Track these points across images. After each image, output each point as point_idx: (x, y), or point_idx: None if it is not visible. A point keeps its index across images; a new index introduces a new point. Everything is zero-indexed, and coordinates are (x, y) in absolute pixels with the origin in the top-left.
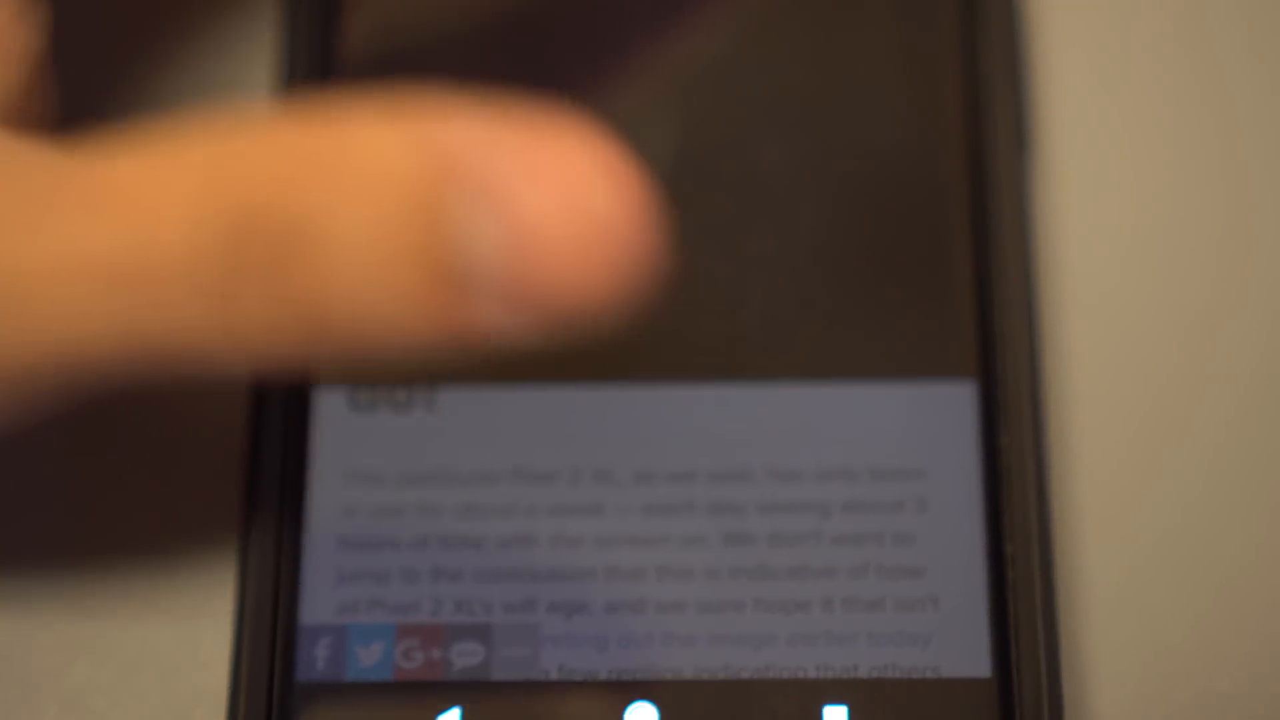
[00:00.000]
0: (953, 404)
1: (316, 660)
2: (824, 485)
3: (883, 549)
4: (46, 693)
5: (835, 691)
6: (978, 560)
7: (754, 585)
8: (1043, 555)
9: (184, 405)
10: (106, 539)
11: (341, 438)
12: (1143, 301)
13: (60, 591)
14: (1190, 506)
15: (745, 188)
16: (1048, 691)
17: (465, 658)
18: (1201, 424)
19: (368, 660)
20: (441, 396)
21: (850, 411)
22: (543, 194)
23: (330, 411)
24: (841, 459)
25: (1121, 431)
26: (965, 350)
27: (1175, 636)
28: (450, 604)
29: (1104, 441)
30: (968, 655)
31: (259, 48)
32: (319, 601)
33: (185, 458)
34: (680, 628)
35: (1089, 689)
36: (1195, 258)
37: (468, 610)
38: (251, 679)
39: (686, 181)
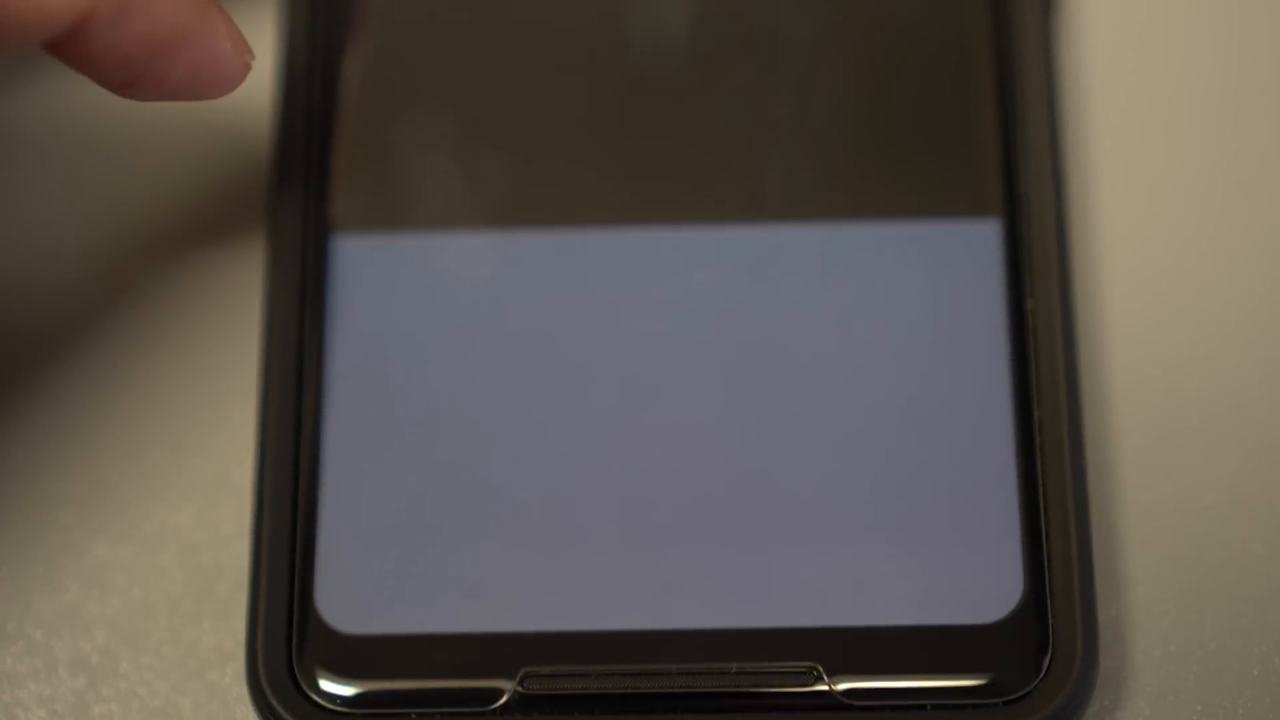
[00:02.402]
0: (978, 241)
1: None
2: (850, 324)
3: (905, 398)
4: (68, 570)
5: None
6: (1004, 413)
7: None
8: (1071, 409)
9: (197, 269)
10: (125, 418)
11: (360, 292)
12: (1168, 143)
13: (80, 470)
14: (1223, 358)
15: (771, 32)
16: (1078, 561)
17: None
18: (1231, 266)
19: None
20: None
21: (876, 250)
22: None
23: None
24: (868, 298)
25: (1149, 272)
26: (990, 188)
27: (1208, 499)
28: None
29: (1131, 283)
30: (995, 523)
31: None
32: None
33: (201, 334)
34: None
35: (1121, 553)
36: (1222, 95)
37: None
38: (273, 556)
39: (712, 25)
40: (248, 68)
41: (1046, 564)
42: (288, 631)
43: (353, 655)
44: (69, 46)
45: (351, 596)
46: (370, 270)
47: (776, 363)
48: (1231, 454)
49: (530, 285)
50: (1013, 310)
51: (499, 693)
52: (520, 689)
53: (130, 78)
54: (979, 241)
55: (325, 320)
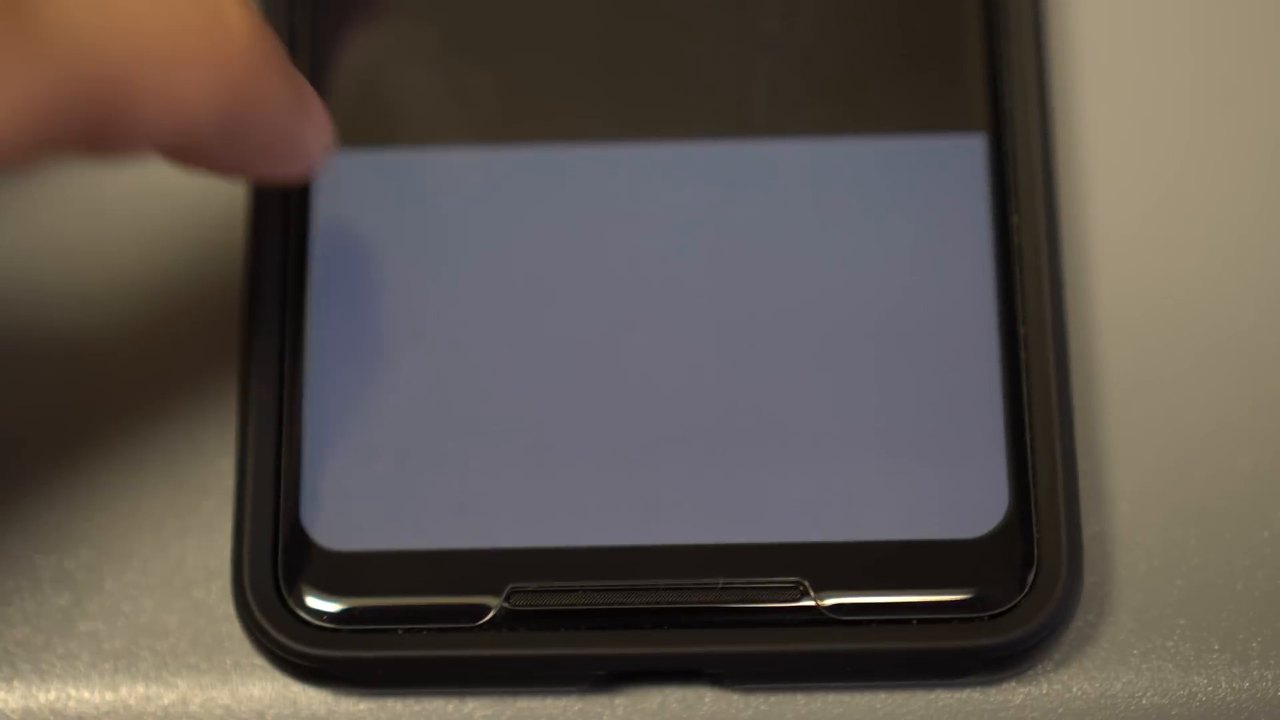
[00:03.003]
0: (963, 156)
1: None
2: (835, 240)
3: (890, 314)
4: (53, 487)
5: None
6: (989, 329)
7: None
8: (1056, 325)
9: (179, 187)
10: (108, 336)
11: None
12: (1154, 58)
13: (64, 389)
14: (1209, 274)
15: None
16: (1063, 477)
17: None
18: (1217, 182)
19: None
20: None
21: (861, 166)
22: None
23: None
24: (853, 213)
25: (1135, 188)
26: (975, 103)
27: (1193, 415)
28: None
29: (1116, 199)
30: (980, 438)
31: None
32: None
33: (183, 253)
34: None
35: (1105, 470)
36: (1210, 8)
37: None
38: (258, 473)
39: None
40: (329, 154)
41: (1031, 480)
42: (273, 548)
43: (339, 572)
44: (178, 154)
45: (337, 513)
46: (354, 187)
47: (761, 279)
48: (1216, 370)
49: (515, 201)
50: (998, 226)
51: (485, 609)
52: (507, 605)
53: (222, 174)
54: (964, 157)
55: (309, 237)
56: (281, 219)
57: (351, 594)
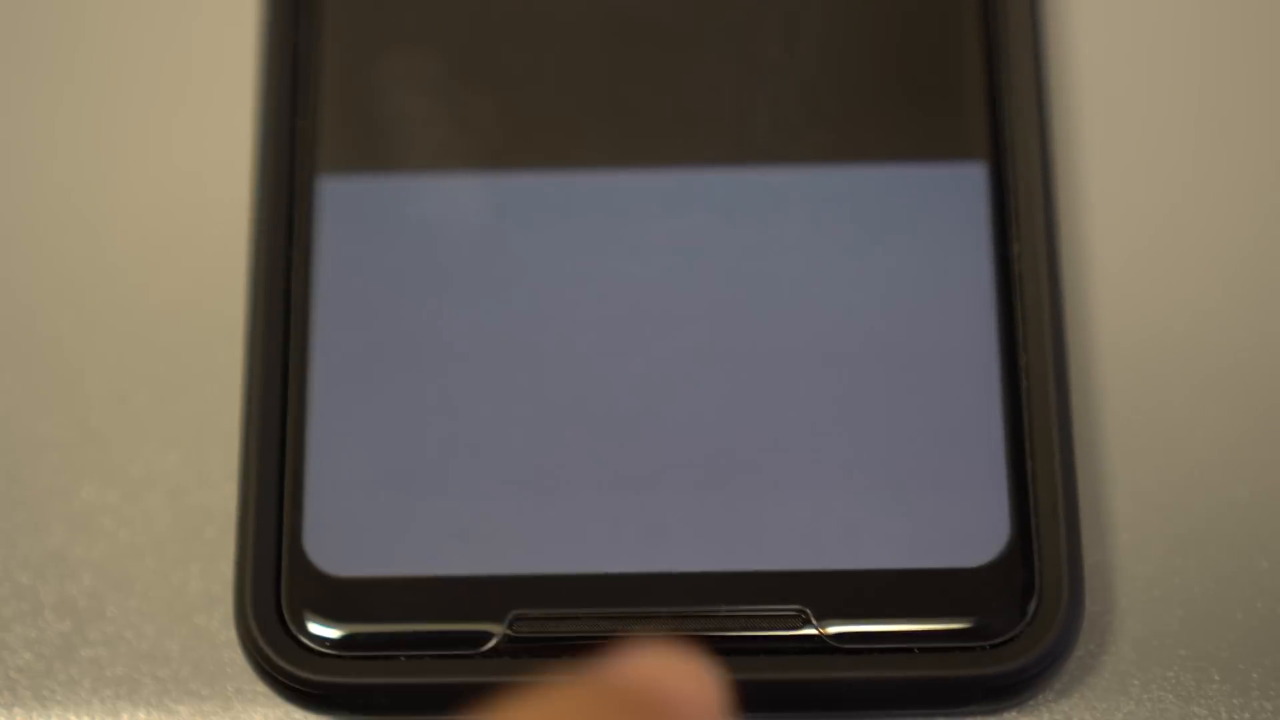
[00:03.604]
0: (963, 185)
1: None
2: (835, 268)
3: (891, 342)
4: (54, 513)
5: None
6: (990, 357)
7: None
8: (1056, 353)
9: (183, 211)
10: (111, 361)
11: (348, 234)
12: (1154, 87)
13: (66, 413)
14: (1210, 303)
15: None
16: (1064, 506)
17: None
18: (1218, 211)
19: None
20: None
21: (861, 194)
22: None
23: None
24: (853, 241)
25: (1135, 217)
26: (976, 132)
27: (1194, 444)
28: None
29: (1117, 228)
30: (981, 467)
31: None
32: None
33: (187, 276)
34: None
35: (1106, 499)
36: (1209, 38)
37: None
38: (261, 499)
39: None
40: None
41: (1033, 508)
42: (276, 574)
43: (341, 598)
44: None
45: (340, 539)
46: (357, 212)
47: (762, 307)
48: (1217, 399)
49: (518, 227)
50: (998, 255)
51: (488, 635)
52: (509, 632)
53: None
54: (964, 186)
55: (312, 262)
56: (285, 244)
57: (354, 620)
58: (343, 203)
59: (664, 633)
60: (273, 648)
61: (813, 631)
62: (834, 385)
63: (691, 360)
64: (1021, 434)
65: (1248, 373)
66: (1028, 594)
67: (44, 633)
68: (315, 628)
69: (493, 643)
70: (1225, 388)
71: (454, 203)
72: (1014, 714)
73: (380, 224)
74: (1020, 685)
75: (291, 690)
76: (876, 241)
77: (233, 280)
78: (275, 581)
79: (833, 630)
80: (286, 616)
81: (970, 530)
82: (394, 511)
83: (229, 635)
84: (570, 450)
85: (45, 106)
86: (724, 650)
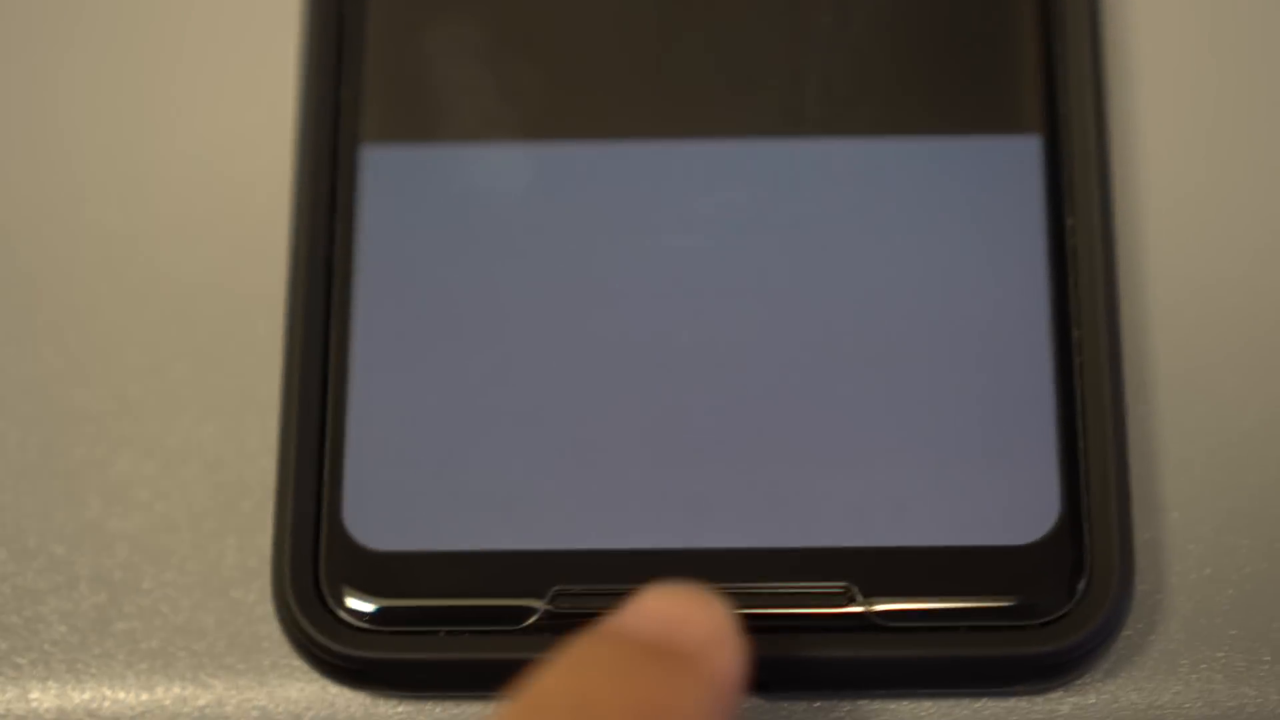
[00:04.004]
0: (1018, 158)
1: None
2: (888, 241)
3: (943, 316)
4: (90, 485)
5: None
6: (1043, 332)
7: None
8: (1110, 329)
9: (226, 180)
10: (149, 331)
11: (389, 204)
12: (1211, 59)
13: (102, 384)
14: (1263, 278)
15: None
16: (1115, 484)
17: None
18: (1274, 185)
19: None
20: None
21: (916, 167)
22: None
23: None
24: (907, 214)
25: (1190, 190)
26: (1031, 105)
27: (1247, 422)
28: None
29: (1171, 202)
30: (1032, 443)
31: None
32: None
33: (227, 245)
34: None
35: (1157, 476)
36: (1268, 8)
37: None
38: (300, 471)
39: None
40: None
41: (1083, 486)
42: (314, 548)
43: (380, 572)
44: None
45: (379, 512)
46: (399, 182)
47: (813, 280)
48: (1270, 377)
49: (561, 198)
50: (1053, 228)
51: (530, 611)
52: (551, 607)
53: None
54: (1019, 158)
55: (354, 233)
56: (327, 215)
57: (393, 595)
58: (385, 173)
59: None
60: (310, 622)
61: (859, 609)
62: (883, 360)
63: (738, 334)
64: (1073, 410)
65: None
66: (1077, 572)
67: (79, 605)
68: (353, 602)
69: (534, 618)
70: (1278, 363)
71: (497, 173)
72: (1060, 693)
73: (423, 194)
74: (1068, 665)
75: (329, 665)
76: (930, 215)
77: (274, 251)
78: (314, 555)
79: (879, 608)
80: (325, 590)
81: (1019, 507)
82: (434, 485)
83: (265, 609)
84: (613, 424)
85: (86, 76)
86: (768, 628)
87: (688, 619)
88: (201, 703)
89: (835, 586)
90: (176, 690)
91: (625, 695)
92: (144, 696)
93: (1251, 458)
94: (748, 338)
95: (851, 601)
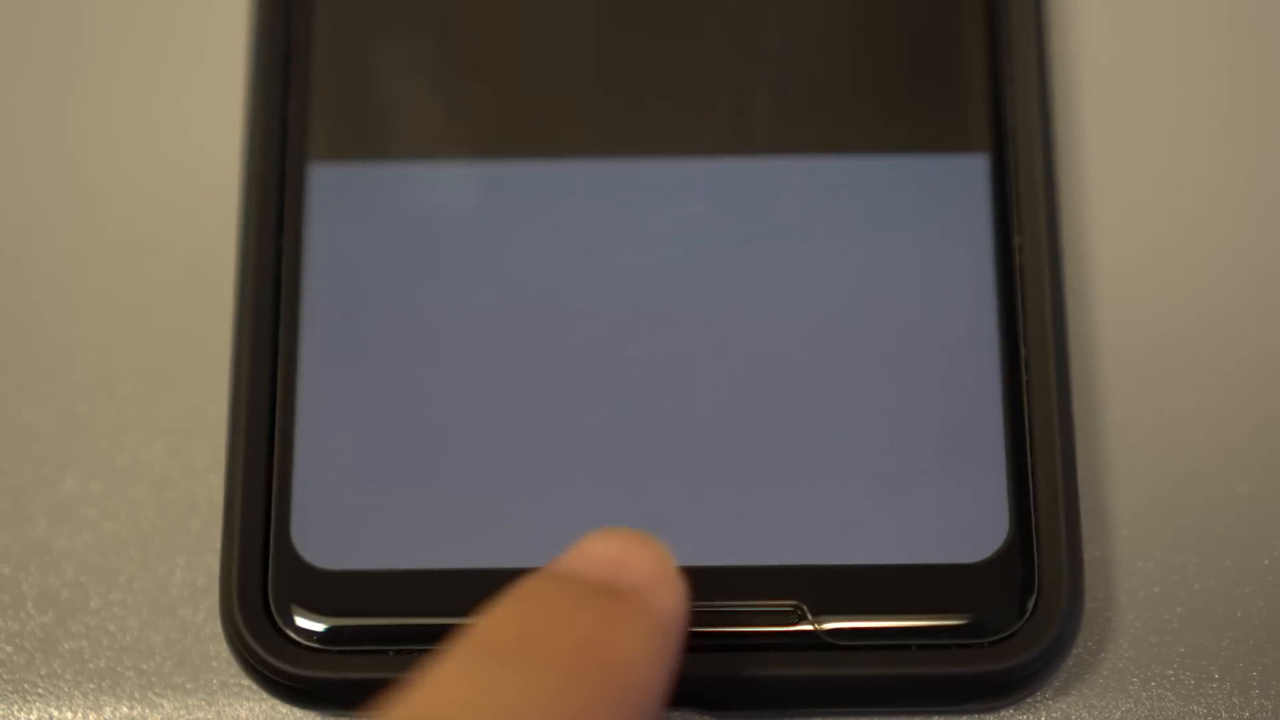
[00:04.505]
0: (965, 176)
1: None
2: (837, 260)
3: (892, 334)
4: (37, 503)
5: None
6: (991, 350)
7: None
8: (1057, 347)
9: (172, 197)
10: (96, 349)
11: (337, 222)
12: (1156, 77)
13: (50, 402)
14: (1211, 295)
15: None
16: (1064, 501)
17: None
18: (1219, 201)
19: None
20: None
21: (863, 185)
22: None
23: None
24: (855, 233)
25: (1136, 208)
26: (978, 123)
27: (1194, 439)
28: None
29: (1118, 219)
30: (981, 462)
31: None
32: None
33: (175, 264)
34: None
35: (1106, 494)
36: (1211, 27)
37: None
38: (248, 490)
39: None
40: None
41: (1032, 504)
42: (263, 567)
43: (329, 591)
44: None
45: (328, 531)
46: (347, 200)
47: (763, 298)
48: (1218, 394)
49: (512, 217)
50: (999, 246)
51: None
52: None
53: None
54: (966, 177)
55: (302, 251)
56: (275, 233)
57: (342, 614)
58: (333, 190)
59: None
60: (259, 641)
61: (808, 627)
62: (833, 378)
63: (689, 352)
64: (1022, 428)
65: (1249, 368)
66: (1027, 590)
67: (25, 625)
68: (302, 621)
69: None
70: (1227, 383)
71: (445, 191)
72: (1011, 711)
73: (371, 212)
74: (1019, 683)
75: (278, 685)
76: (877, 233)
77: (222, 268)
78: (262, 574)
79: (829, 626)
80: (273, 610)
81: (969, 525)
82: (383, 504)
83: (214, 628)
84: (561, 442)
85: (32, 92)
86: (718, 646)
87: (630, 559)
88: None
89: (785, 605)
90: (125, 710)
91: (570, 631)
92: (92, 716)
93: (1200, 475)
94: (698, 356)
95: (801, 620)
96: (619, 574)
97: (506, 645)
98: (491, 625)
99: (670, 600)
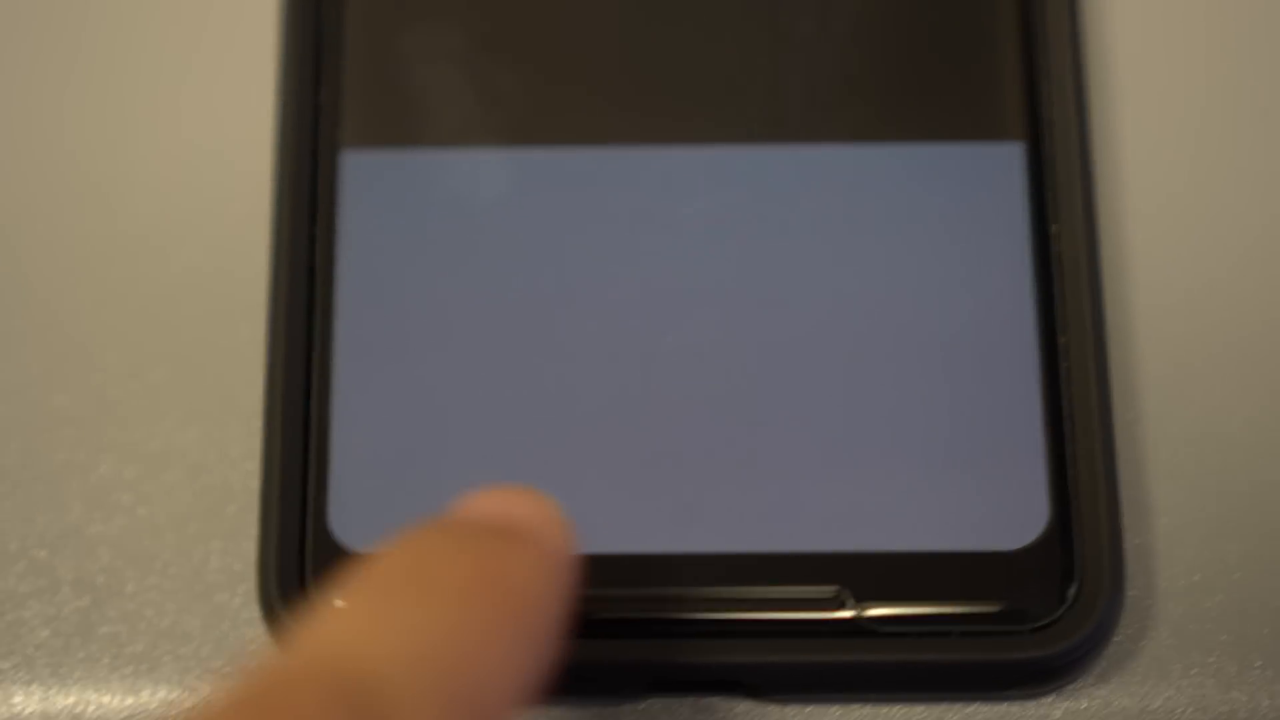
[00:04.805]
0: (1002, 165)
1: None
2: (874, 248)
3: (930, 323)
4: (72, 489)
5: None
6: (1029, 338)
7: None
8: (1096, 334)
9: (206, 185)
10: (130, 335)
11: (371, 208)
12: (1193, 65)
13: (84, 388)
14: (1248, 283)
15: None
16: (1104, 489)
17: None
18: (1258, 191)
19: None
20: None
21: (900, 174)
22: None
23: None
24: (892, 221)
25: (1174, 195)
26: (1014, 112)
27: (1233, 427)
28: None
29: (1155, 207)
30: (1020, 449)
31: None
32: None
33: (208, 250)
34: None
35: (1145, 482)
36: (1248, 16)
37: None
38: (285, 475)
39: None
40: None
41: (1072, 491)
42: (300, 551)
43: None
44: None
45: (365, 516)
46: (380, 186)
47: (800, 287)
48: (1259, 381)
49: (542, 203)
50: (1037, 234)
51: None
52: None
53: None
54: (1003, 165)
55: (335, 237)
56: (308, 219)
57: None
58: (366, 177)
59: (699, 614)
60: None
61: (851, 614)
62: (873, 365)
63: (725, 339)
64: (1061, 416)
65: None
66: (1067, 578)
67: (62, 610)
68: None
69: None
70: (1267, 368)
71: (478, 178)
72: (1052, 698)
73: (403, 199)
74: (1059, 670)
75: None
76: (915, 222)
77: (255, 255)
78: (299, 559)
79: (871, 613)
80: (311, 594)
81: (1009, 513)
82: (419, 489)
83: (252, 613)
84: (600, 428)
85: (65, 79)
86: (760, 632)
87: (514, 507)
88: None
89: (827, 591)
90: (162, 694)
91: (462, 564)
92: (129, 700)
93: (1240, 462)
94: (737, 343)
95: (843, 606)
96: (508, 515)
97: (399, 580)
98: (383, 564)
99: (558, 538)
